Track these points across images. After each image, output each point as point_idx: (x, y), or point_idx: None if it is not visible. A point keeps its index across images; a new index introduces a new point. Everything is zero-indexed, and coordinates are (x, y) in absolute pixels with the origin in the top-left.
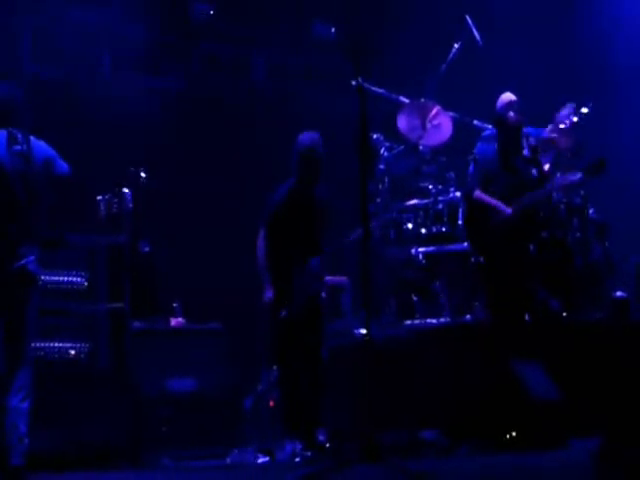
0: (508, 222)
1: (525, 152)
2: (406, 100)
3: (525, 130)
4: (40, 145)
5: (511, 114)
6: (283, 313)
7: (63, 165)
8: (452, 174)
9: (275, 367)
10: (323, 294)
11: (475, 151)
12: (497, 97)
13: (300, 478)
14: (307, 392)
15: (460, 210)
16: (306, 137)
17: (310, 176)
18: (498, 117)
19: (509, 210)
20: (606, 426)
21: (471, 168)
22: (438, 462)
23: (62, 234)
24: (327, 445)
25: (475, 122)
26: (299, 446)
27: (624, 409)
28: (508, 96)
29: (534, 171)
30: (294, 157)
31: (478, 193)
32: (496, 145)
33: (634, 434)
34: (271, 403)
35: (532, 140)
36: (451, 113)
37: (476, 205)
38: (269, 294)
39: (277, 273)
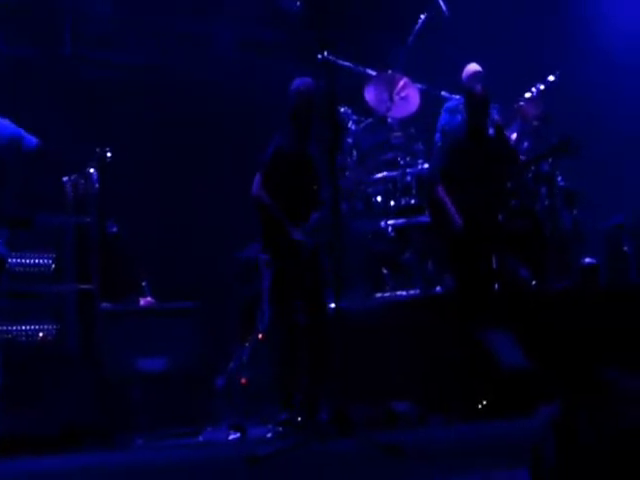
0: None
1: (490, 131)
2: (373, 72)
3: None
4: (4, 123)
5: (478, 87)
6: (287, 263)
7: (31, 140)
8: (420, 146)
9: (274, 327)
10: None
11: (441, 122)
12: (463, 68)
13: (271, 454)
14: (310, 357)
15: None
16: (300, 82)
17: (305, 123)
18: (466, 89)
19: (460, 222)
20: (567, 391)
21: (437, 140)
22: (410, 433)
23: (31, 215)
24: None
25: (443, 93)
26: (289, 415)
27: (588, 374)
28: (473, 67)
29: (500, 146)
30: (289, 102)
31: (440, 190)
32: (462, 116)
33: (594, 398)
34: (243, 381)
35: (495, 114)
36: (419, 85)
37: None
38: (299, 235)
39: (278, 226)
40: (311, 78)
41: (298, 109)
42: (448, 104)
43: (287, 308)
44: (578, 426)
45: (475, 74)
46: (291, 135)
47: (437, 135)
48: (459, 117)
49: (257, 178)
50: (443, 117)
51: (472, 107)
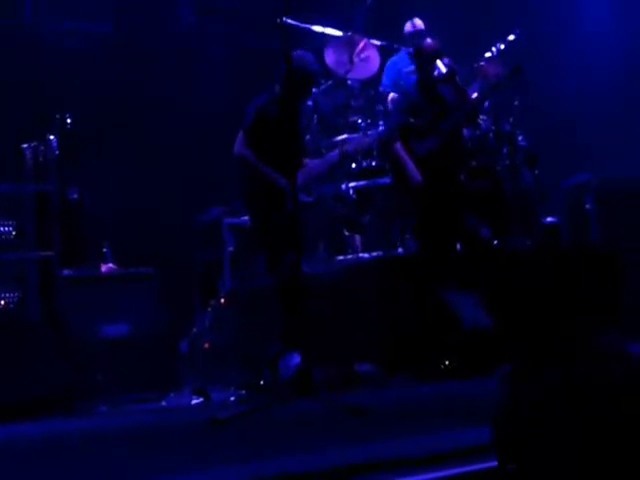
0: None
1: (438, 71)
2: (333, 34)
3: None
4: None
5: (428, 40)
6: (276, 219)
7: None
8: (381, 107)
9: (271, 276)
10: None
11: (389, 79)
12: (426, 27)
13: (232, 416)
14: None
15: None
16: (310, 57)
17: (295, 93)
18: (415, 47)
19: (419, 178)
20: (532, 348)
21: (396, 100)
22: (373, 394)
23: None
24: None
25: (404, 50)
26: (299, 359)
27: (548, 332)
28: (414, 22)
29: (450, 92)
30: (284, 71)
31: (399, 148)
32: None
33: (561, 353)
34: (206, 345)
35: (446, 61)
36: (378, 42)
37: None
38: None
39: (263, 180)
40: (310, 53)
41: (291, 80)
42: (393, 59)
43: (282, 259)
44: (544, 381)
45: (417, 31)
46: (278, 100)
47: (387, 90)
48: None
49: (240, 136)
50: (389, 73)
51: (422, 63)
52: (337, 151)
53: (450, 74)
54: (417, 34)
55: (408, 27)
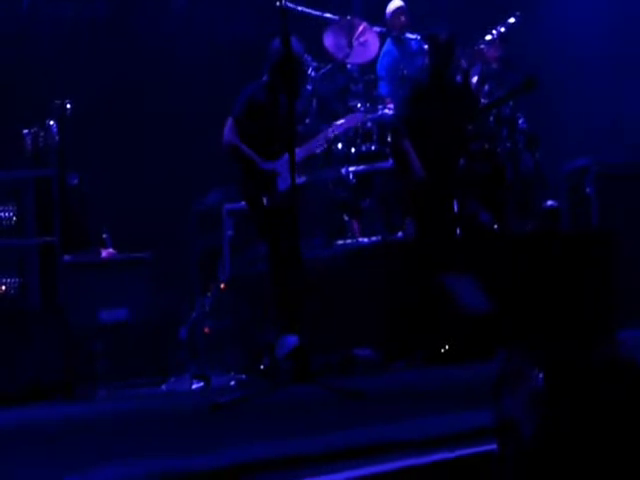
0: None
1: (458, 78)
2: (333, 18)
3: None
4: None
5: (444, 33)
6: (266, 202)
7: None
8: (380, 91)
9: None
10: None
11: (386, 62)
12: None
13: (232, 401)
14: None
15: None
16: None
17: (282, 79)
18: (429, 35)
19: (422, 174)
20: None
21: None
22: (371, 379)
23: None
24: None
25: (407, 35)
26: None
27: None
28: (395, 2)
29: (463, 92)
30: (270, 58)
31: (407, 144)
32: (422, 60)
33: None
34: (206, 330)
35: (464, 63)
36: (378, 28)
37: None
38: (272, 166)
39: (254, 166)
40: (294, 36)
41: (277, 66)
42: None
43: (279, 244)
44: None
45: (398, 10)
46: (268, 87)
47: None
48: (419, 60)
49: (229, 124)
50: (387, 58)
51: (436, 53)
52: (322, 137)
53: (465, 81)
54: (399, 11)
55: (390, 8)
